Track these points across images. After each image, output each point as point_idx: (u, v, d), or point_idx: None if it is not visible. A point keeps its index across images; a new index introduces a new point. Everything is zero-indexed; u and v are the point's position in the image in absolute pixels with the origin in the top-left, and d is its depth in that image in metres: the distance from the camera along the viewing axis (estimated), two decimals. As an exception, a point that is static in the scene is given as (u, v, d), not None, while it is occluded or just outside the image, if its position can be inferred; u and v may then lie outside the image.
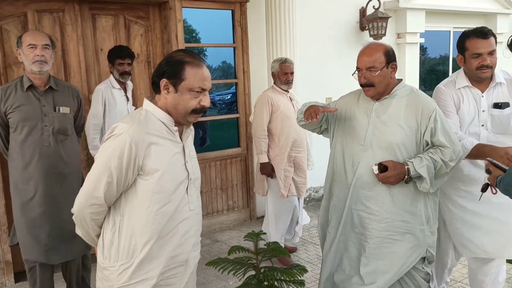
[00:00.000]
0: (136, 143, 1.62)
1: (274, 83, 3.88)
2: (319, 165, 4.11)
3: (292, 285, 2.36)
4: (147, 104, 1.75)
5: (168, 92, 1.71)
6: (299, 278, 2.35)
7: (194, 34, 4.70)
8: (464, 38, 2.55)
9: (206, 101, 1.74)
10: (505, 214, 2.60)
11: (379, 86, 2.29)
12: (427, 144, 2.28)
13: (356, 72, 2.35)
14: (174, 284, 1.80)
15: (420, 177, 2.23)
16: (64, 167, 2.85)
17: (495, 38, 2.54)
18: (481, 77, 2.53)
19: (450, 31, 7.08)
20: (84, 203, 1.68)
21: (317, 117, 2.30)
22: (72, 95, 2.95)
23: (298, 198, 3.96)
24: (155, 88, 1.75)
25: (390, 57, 2.30)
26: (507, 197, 2.58)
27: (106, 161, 1.63)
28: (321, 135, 2.69)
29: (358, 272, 2.38)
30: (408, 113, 2.28)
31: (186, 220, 1.78)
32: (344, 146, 2.44)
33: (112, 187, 1.64)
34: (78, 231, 1.80)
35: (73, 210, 1.73)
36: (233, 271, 2.34)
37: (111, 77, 3.72)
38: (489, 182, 2.13)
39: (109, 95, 3.64)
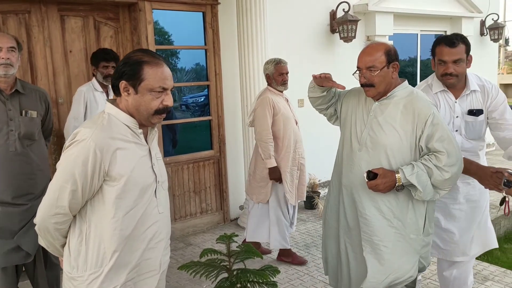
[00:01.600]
0: (100, 149, 1.58)
1: (269, 85, 3.82)
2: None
3: (265, 287, 2.37)
4: (109, 107, 1.70)
5: (128, 94, 1.66)
6: (272, 280, 2.36)
7: (166, 36, 4.67)
8: (435, 44, 2.58)
9: (168, 100, 1.69)
10: (466, 222, 2.71)
11: (379, 86, 2.24)
12: (423, 150, 2.22)
13: (357, 72, 2.30)
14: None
15: (413, 185, 2.16)
16: (31, 172, 2.77)
17: (467, 46, 2.53)
18: (446, 83, 2.58)
19: (417, 34, 7.25)
20: (48, 213, 1.63)
21: (327, 77, 2.35)
22: (40, 98, 2.88)
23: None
24: (115, 91, 1.69)
25: (391, 57, 2.24)
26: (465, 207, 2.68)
27: (69, 169, 1.58)
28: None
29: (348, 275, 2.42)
30: (404, 116, 2.22)
31: (156, 223, 1.75)
32: (346, 139, 2.42)
33: (77, 195, 1.59)
34: (41, 241, 1.74)
35: (36, 220, 1.67)
36: (206, 274, 2.34)
37: (94, 79, 3.67)
38: (505, 196, 2.13)
39: (91, 97, 3.59)
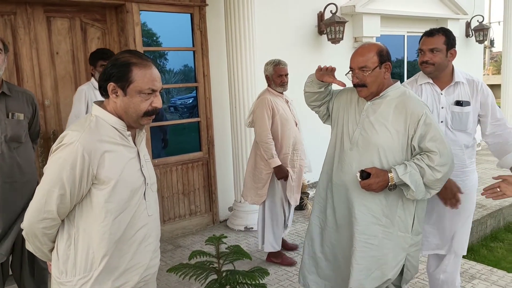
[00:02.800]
0: (89, 152, 1.56)
1: (269, 86, 3.83)
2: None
3: (254, 288, 2.37)
4: (96, 109, 1.68)
5: (116, 96, 1.64)
6: (261, 281, 2.36)
7: (154, 38, 4.65)
8: (420, 37, 2.71)
9: (157, 102, 1.68)
10: (451, 219, 2.76)
11: (372, 86, 2.26)
12: (415, 149, 2.24)
13: (350, 72, 2.32)
14: None
15: (406, 184, 2.17)
16: (19, 175, 2.74)
17: (448, 38, 2.62)
18: (424, 72, 2.68)
19: (404, 35, 7.32)
20: (35, 217, 1.60)
21: (332, 70, 2.37)
22: (27, 100, 2.85)
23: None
24: (103, 93, 1.68)
25: (383, 57, 2.26)
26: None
27: (57, 173, 1.56)
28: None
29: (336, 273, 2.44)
30: (396, 116, 2.24)
31: (145, 226, 1.74)
32: (337, 138, 2.43)
33: (65, 200, 1.57)
34: (29, 246, 1.72)
35: (23, 225, 1.65)
36: (195, 276, 2.33)
37: (93, 79, 3.67)
38: None
39: (91, 95, 3.59)
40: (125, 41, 4.24)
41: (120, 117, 1.68)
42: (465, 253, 2.84)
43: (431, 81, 2.70)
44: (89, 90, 3.61)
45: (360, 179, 2.22)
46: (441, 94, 2.68)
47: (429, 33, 2.64)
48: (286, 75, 3.78)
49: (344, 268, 2.42)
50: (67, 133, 1.60)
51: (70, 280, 1.65)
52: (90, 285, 1.64)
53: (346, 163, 2.34)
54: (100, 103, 1.72)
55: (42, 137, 3.83)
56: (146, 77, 1.64)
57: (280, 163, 3.69)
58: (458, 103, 2.64)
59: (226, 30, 4.67)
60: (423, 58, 2.63)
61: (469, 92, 2.66)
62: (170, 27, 4.67)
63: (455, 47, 2.66)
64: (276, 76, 3.75)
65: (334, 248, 2.47)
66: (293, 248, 4.03)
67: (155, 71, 1.68)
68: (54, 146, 1.61)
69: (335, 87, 2.54)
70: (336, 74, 2.46)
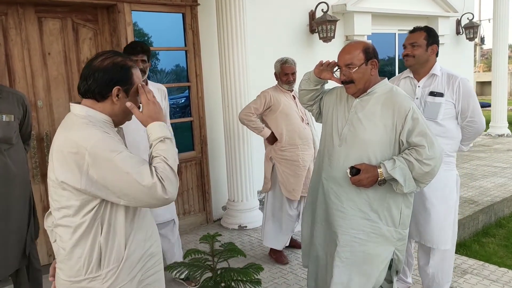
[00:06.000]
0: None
1: (278, 82, 3.90)
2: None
3: (249, 285, 2.39)
4: (85, 110, 1.68)
5: (118, 98, 1.69)
6: (256, 277, 2.38)
7: (146, 38, 4.65)
8: None
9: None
10: (439, 210, 2.82)
11: (359, 83, 2.31)
12: (403, 144, 2.28)
13: (338, 70, 2.37)
14: (158, 280, 1.83)
15: (395, 179, 2.22)
16: (9, 177, 2.73)
17: (428, 35, 2.79)
18: (406, 64, 2.88)
19: (395, 33, 7.37)
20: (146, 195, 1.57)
21: (333, 66, 2.40)
22: (17, 101, 2.84)
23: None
24: (99, 97, 1.68)
25: (369, 54, 2.31)
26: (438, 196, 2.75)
27: (110, 151, 1.55)
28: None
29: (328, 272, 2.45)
30: (384, 111, 2.29)
31: (148, 210, 1.82)
32: (327, 135, 2.47)
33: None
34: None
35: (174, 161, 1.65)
36: (190, 274, 2.35)
37: None
38: None
39: None
40: (117, 41, 4.24)
41: (112, 117, 1.72)
42: (447, 248, 2.88)
43: (411, 75, 2.89)
44: None
45: (350, 175, 2.26)
46: (418, 86, 2.83)
47: (412, 30, 2.87)
48: (293, 73, 3.82)
49: (329, 266, 2.43)
50: (79, 137, 1.57)
51: (99, 274, 1.66)
52: (117, 275, 1.67)
53: (335, 159, 2.38)
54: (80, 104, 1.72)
55: (35, 138, 3.81)
56: (139, 77, 1.76)
57: (270, 132, 3.81)
58: (432, 93, 2.79)
59: (218, 29, 4.68)
60: (405, 52, 2.83)
61: (445, 85, 2.78)
62: (162, 27, 4.67)
63: (436, 44, 2.83)
64: (282, 74, 3.81)
65: (320, 246, 2.49)
66: (282, 262, 3.94)
67: None
68: (77, 159, 1.56)
69: (327, 86, 2.58)
70: (328, 72, 2.48)
